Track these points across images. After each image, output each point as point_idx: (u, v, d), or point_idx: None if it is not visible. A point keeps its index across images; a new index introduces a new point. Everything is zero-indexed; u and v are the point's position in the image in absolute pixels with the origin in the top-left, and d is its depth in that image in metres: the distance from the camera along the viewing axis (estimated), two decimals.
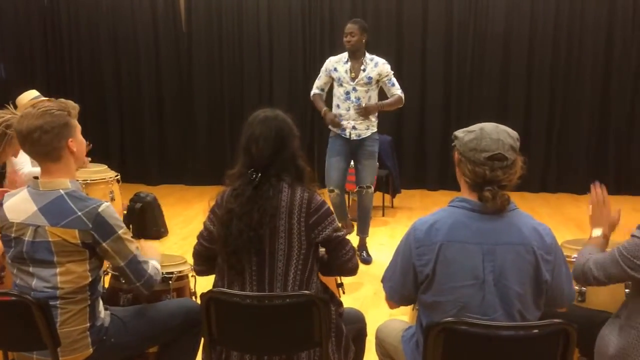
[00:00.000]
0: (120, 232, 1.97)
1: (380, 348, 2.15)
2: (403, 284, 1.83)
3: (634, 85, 6.79)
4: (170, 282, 2.44)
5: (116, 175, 4.54)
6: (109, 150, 7.42)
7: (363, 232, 4.61)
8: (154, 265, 2.13)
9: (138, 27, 7.39)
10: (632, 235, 1.82)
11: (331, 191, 4.38)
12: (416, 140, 7.18)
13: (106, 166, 4.61)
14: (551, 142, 7.00)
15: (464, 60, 7.01)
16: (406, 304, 1.92)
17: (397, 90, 4.45)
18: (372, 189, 4.49)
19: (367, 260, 4.58)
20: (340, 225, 2.06)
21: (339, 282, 2.70)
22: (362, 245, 4.63)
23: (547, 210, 6.19)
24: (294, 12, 7.17)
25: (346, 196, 6.05)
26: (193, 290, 2.63)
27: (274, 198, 1.93)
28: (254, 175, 1.95)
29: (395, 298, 1.89)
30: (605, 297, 2.25)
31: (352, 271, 2.13)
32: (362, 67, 4.36)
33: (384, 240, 5.14)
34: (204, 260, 2.13)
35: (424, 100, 7.12)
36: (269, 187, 1.94)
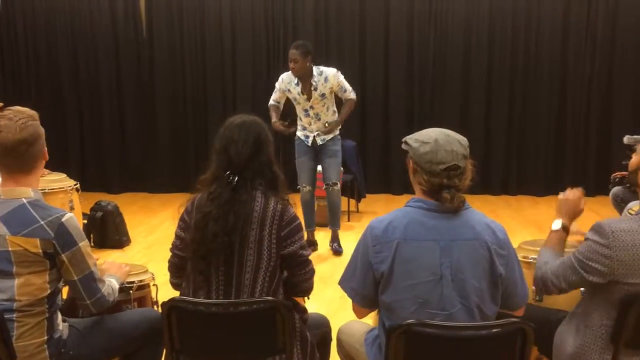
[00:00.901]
0: (80, 244, 1.93)
1: (342, 349, 2.16)
2: (363, 284, 1.86)
3: (588, 91, 7.00)
4: (131, 291, 2.40)
5: (75, 184, 4.45)
6: (67, 158, 7.22)
7: (334, 225, 4.94)
8: (110, 285, 2.08)
9: (97, 31, 7.24)
10: (586, 239, 1.86)
11: (303, 187, 4.72)
12: (381, 145, 7.25)
13: (65, 175, 4.51)
14: (511, 147, 7.16)
15: (426, 66, 7.11)
16: (368, 307, 1.93)
17: (349, 94, 4.68)
18: (339, 185, 4.81)
19: (338, 251, 4.87)
20: (305, 243, 2.06)
21: None
22: (335, 237, 4.96)
23: (508, 212, 6.33)
24: (256, 14, 7.15)
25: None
26: (155, 299, 2.59)
27: (248, 204, 1.92)
28: (231, 178, 1.94)
29: (357, 299, 1.91)
30: (562, 297, 2.30)
31: (306, 292, 2.12)
32: (313, 87, 4.51)
33: (350, 245, 5.16)
34: (180, 273, 2.09)
35: (388, 106, 7.19)
36: (244, 191, 1.94)
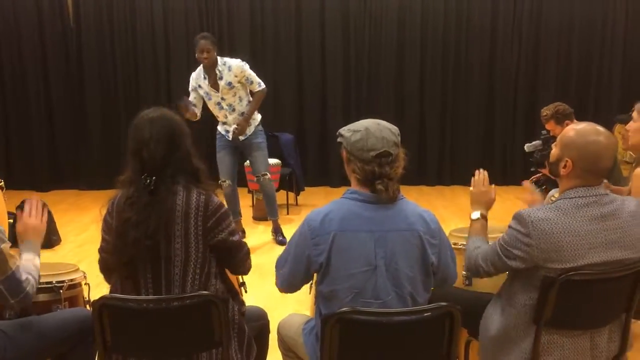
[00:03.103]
0: (2, 246, 1.85)
1: (282, 343, 2.19)
2: (293, 273, 1.91)
3: (514, 86, 7.32)
4: (61, 291, 2.32)
5: None
6: None
7: (273, 215, 5.01)
8: (30, 274, 1.96)
9: (21, 22, 6.92)
10: (509, 227, 1.95)
11: (223, 182, 4.75)
12: (318, 138, 7.31)
13: None
14: (445, 140, 7.40)
15: (362, 60, 7.23)
16: (291, 292, 2.02)
17: (257, 87, 4.68)
18: (269, 175, 4.86)
19: (283, 242, 4.92)
20: (235, 228, 2.05)
21: (241, 281, 2.69)
22: (276, 228, 5.04)
23: (443, 202, 6.53)
24: (189, 6, 7.03)
25: (250, 195, 6.07)
26: (87, 298, 2.51)
27: (169, 202, 1.88)
28: (148, 180, 1.88)
29: (284, 285, 1.98)
30: (490, 281, 2.40)
31: (246, 272, 2.16)
32: (219, 77, 4.55)
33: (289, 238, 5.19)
34: (113, 273, 2.02)
35: (325, 99, 7.26)
36: (164, 190, 1.88)
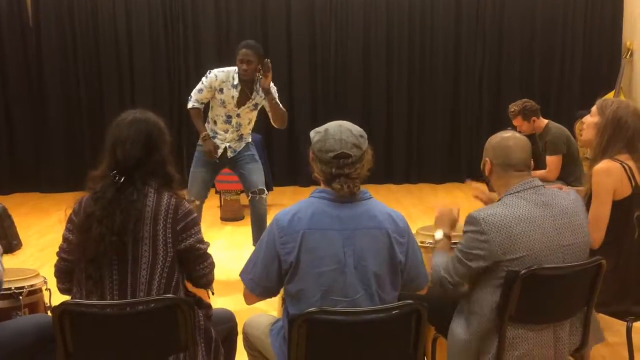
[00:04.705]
0: None
1: (248, 342, 2.17)
2: (267, 275, 1.87)
3: (479, 85, 7.44)
4: (21, 297, 2.26)
5: None
6: None
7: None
8: None
9: None
10: (464, 232, 2.00)
11: (192, 200, 4.01)
12: (286, 138, 7.27)
13: None
14: (411, 139, 7.48)
15: (328, 60, 7.25)
16: (267, 297, 1.96)
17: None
18: (267, 193, 4.13)
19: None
20: (202, 237, 2.02)
21: None
22: None
23: (411, 200, 6.59)
24: (153, 4, 6.93)
25: (218, 195, 6.02)
26: (49, 304, 2.45)
27: (138, 202, 1.85)
28: (117, 178, 1.86)
29: (257, 291, 1.92)
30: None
31: (206, 285, 2.10)
32: (252, 96, 3.97)
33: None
34: (69, 277, 1.98)
35: (292, 98, 7.23)
36: (133, 190, 1.86)
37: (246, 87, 3.94)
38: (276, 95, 3.95)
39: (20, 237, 4.86)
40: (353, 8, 7.16)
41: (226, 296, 3.77)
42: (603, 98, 2.67)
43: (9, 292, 2.23)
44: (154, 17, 6.94)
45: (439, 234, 2.29)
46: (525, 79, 7.42)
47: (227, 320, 2.25)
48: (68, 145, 6.97)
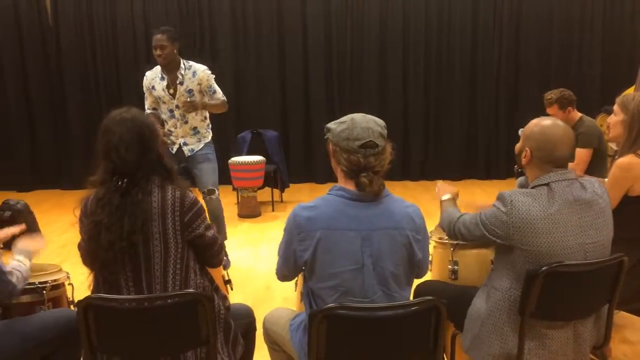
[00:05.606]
0: None
1: (268, 336, 2.18)
2: (285, 263, 1.92)
3: (496, 81, 7.37)
4: (45, 292, 2.29)
5: None
6: None
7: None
8: (19, 269, 1.97)
9: None
10: (493, 205, 2.01)
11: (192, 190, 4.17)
12: (302, 134, 7.30)
13: None
14: (428, 136, 7.44)
15: (344, 58, 7.23)
16: (285, 281, 2.04)
17: (220, 96, 4.15)
18: (217, 193, 4.19)
19: (226, 265, 4.52)
20: (210, 223, 2.05)
21: (227, 278, 2.68)
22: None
23: (427, 197, 6.55)
24: (170, 4, 6.98)
25: (235, 192, 6.06)
26: (71, 299, 2.49)
27: (144, 202, 1.85)
28: (120, 182, 1.86)
29: (278, 273, 2.00)
30: (475, 274, 2.43)
31: (217, 265, 2.14)
32: (179, 81, 4.02)
33: (275, 235, 5.18)
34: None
35: (308, 96, 7.25)
36: (137, 190, 1.86)
37: (172, 75, 4.02)
38: (218, 95, 4.11)
39: (42, 233, 4.98)
40: (369, 7, 7.13)
41: (246, 292, 3.80)
42: (622, 94, 2.65)
43: (33, 286, 2.26)
44: (171, 17, 6.98)
45: (445, 196, 2.39)
46: (543, 77, 7.32)
47: (245, 316, 2.27)
48: (87, 143, 7.04)
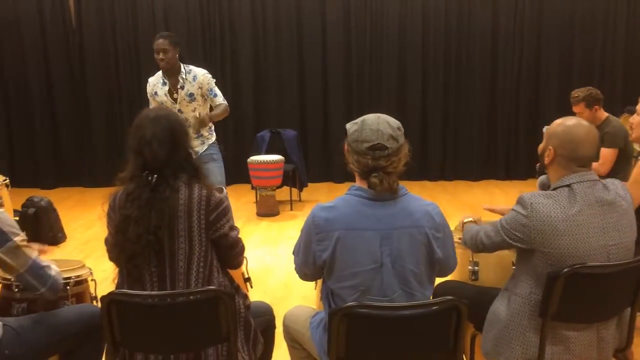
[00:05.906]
0: (16, 239, 1.88)
1: (288, 334, 2.19)
2: (305, 263, 1.92)
3: (517, 80, 7.30)
4: (68, 287, 2.33)
5: (5, 180, 4.27)
6: None
7: None
8: (54, 267, 2.03)
9: (23, 23, 6.92)
10: (512, 209, 1.99)
11: (220, 190, 4.13)
12: (321, 134, 7.30)
13: None
14: (447, 136, 7.39)
15: (363, 58, 7.22)
16: (309, 281, 2.03)
17: (220, 100, 4.13)
18: (225, 192, 4.02)
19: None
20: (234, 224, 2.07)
21: (247, 276, 2.71)
22: None
23: (445, 197, 6.53)
24: (191, 5, 7.04)
25: (254, 191, 6.09)
26: (94, 294, 2.53)
27: (171, 198, 1.88)
28: (150, 177, 1.89)
29: (299, 273, 1.99)
30: (496, 275, 2.42)
31: (236, 267, 2.16)
32: (180, 85, 4.04)
33: (293, 234, 5.20)
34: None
35: (327, 95, 7.25)
36: (165, 187, 1.89)
37: (173, 80, 4.04)
38: (222, 100, 4.09)
39: (65, 230, 5.07)
40: (389, 7, 7.11)
41: (264, 290, 3.82)
42: None
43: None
44: (192, 18, 7.03)
45: (468, 219, 2.38)
46: (564, 78, 7.23)
47: (265, 313, 2.28)
48: (109, 141, 7.14)
